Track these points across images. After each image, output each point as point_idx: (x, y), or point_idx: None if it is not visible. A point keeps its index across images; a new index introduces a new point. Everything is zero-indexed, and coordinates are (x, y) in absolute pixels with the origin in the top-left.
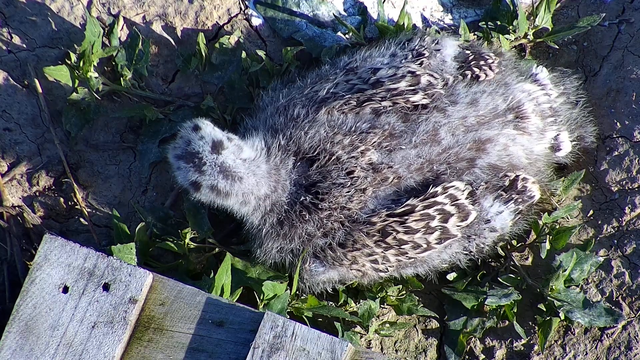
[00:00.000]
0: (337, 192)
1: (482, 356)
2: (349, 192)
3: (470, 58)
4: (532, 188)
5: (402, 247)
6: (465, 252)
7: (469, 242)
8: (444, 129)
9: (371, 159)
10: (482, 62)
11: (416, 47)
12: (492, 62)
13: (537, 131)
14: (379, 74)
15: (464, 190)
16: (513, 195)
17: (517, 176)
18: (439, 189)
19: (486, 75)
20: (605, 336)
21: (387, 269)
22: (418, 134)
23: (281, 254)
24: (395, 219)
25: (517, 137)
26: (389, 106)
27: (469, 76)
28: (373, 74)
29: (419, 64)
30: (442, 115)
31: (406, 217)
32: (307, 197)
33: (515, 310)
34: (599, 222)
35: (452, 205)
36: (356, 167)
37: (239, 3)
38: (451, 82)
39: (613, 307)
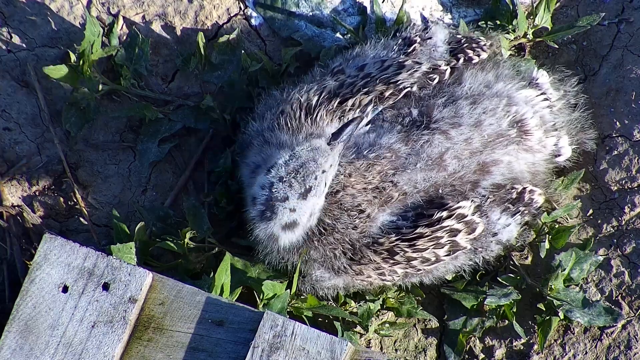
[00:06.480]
0: (343, 222)
1: (482, 355)
2: (354, 220)
3: (463, 41)
4: (538, 200)
5: (411, 262)
6: (471, 263)
7: (476, 254)
8: (449, 154)
9: (376, 185)
10: (474, 44)
11: (408, 36)
12: (484, 44)
13: (538, 143)
14: (366, 69)
15: (469, 207)
16: (520, 208)
17: (524, 188)
18: (444, 213)
19: (479, 56)
20: (604, 335)
21: (393, 279)
22: (423, 159)
23: (285, 262)
24: (404, 243)
25: (520, 154)
26: (380, 92)
27: (462, 59)
28: (361, 70)
29: (411, 51)
30: (445, 138)
31: (415, 242)
32: (315, 229)
33: (515, 310)
34: (599, 221)
35: (459, 223)
36: (364, 201)
37: (239, 3)
38: (453, 93)
39: (612, 307)
